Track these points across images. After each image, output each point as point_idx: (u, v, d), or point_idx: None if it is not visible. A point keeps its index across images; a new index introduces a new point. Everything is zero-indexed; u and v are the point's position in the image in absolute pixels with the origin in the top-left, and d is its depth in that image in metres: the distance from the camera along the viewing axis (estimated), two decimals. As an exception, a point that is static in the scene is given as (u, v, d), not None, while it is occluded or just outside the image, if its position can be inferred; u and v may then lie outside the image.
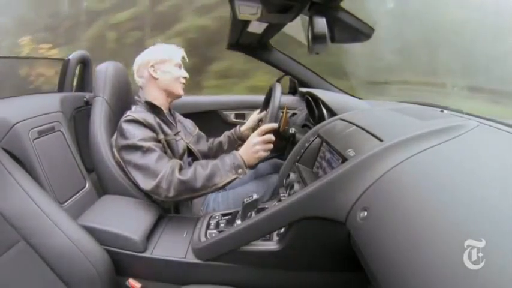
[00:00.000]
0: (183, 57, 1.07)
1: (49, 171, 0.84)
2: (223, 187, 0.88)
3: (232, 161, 0.89)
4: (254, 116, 1.22)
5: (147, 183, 0.87)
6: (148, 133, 0.92)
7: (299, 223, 0.60)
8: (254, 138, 0.92)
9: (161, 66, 1.02)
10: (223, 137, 1.26)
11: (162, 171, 0.86)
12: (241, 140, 1.21)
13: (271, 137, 0.93)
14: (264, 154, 0.92)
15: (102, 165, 0.95)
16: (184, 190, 0.85)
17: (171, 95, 1.06)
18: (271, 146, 0.93)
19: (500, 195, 0.36)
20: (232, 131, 1.25)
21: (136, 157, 0.89)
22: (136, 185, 0.95)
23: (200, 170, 0.87)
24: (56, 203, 0.77)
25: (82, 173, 0.98)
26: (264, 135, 0.93)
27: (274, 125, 0.95)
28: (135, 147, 0.89)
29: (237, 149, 0.97)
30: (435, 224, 0.36)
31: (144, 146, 0.88)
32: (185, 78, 1.07)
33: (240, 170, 0.88)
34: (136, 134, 0.90)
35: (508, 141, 0.50)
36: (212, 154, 1.23)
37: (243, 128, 1.23)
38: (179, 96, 1.08)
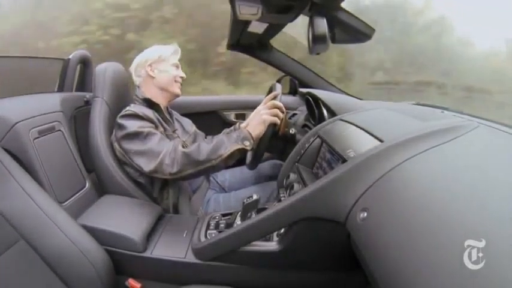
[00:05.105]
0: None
1: (49, 171, 0.84)
2: (229, 158, 0.85)
3: (238, 134, 0.88)
4: None
5: (149, 164, 0.86)
6: (147, 123, 0.92)
7: (299, 223, 0.60)
8: (258, 108, 0.93)
9: (158, 66, 1.04)
10: (222, 134, 1.26)
11: (164, 149, 0.86)
12: None
13: (276, 102, 0.91)
14: (269, 118, 0.89)
15: (101, 165, 0.95)
16: (187, 164, 0.84)
17: (168, 94, 1.07)
18: (276, 111, 0.90)
19: (501, 195, 0.36)
20: (231, 128, 1.25)
21: (137, 143, 0.89)
22: (137, 183, 0.95)
23: (204, 144, 0.87)
24: (56, 202, 0.77)
25: (82, 173, 0.98)
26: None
27: (278, 92, 0.93)
28: (135, 134, 0.89)
29: None
30: (435, 224, 0.36)
31: (144, 131, 0.89)
32: (182, 78, 1.08)
33: (246, 142, 0.86)
34: (135, 124, 0.90)
35: (508, 142, 0.50)
36: None
37: (243, 125, 1.23)
38: (177, 96, 1.09)
